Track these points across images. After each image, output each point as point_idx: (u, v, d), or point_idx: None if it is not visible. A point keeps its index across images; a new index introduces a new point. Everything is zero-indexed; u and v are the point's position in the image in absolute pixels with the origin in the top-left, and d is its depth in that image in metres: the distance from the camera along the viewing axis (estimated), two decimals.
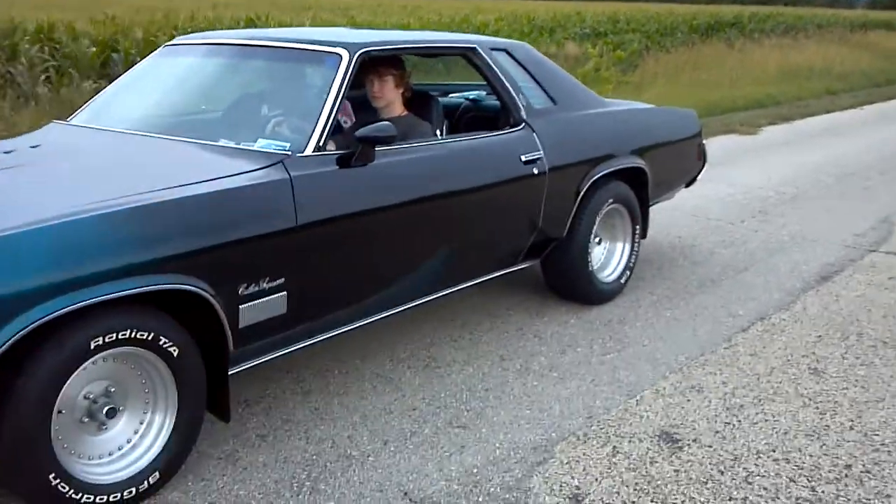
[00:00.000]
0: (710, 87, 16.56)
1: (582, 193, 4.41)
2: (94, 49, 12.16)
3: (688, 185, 5.64)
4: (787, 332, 4.45)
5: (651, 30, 25.51)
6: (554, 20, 25.18)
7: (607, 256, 4.89)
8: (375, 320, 3.59)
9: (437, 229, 3.73)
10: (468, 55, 4.19)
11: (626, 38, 22.79)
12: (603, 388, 3.77)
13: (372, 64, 3.93)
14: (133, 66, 4.36)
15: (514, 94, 4.21)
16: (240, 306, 2.90)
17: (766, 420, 3.49)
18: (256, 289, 2.93)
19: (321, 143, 3.26)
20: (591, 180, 4.43)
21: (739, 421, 3.47)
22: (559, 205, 4.32)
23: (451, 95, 5.23)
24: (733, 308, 4.78)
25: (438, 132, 4.25)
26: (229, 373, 2.97)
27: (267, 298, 2.98)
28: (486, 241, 4.06)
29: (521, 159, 4.06)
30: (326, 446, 3.23)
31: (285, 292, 3.04)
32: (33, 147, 3.48)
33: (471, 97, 5.13)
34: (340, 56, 3.50)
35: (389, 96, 4.08)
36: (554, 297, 4.78)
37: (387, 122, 3.39)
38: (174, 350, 2.71)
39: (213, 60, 4.03)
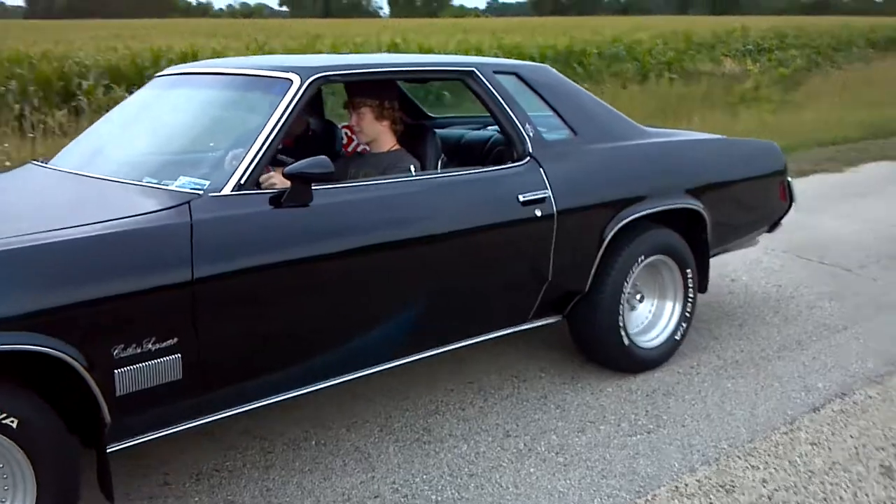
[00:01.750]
0: (880, 106, 15.13)
1: (607, 241, 3.75)
2: None
3: (770, 230, 4.83)
4: (869, 414, 3.65)
5: (822, 45, 23.88)
6: (715, 36, 23.99)
7: (653, 317, 4.18)
8: (320, 388, 3.11)
9: (400, 283, 3.21)
10: (465, 80, 3.66)
11: (790, 53, 21.36)
12: (611, 481, 3.16)
13: (350, 94, 3.55)
14: None
15: (517, 124, 3.63)
16: (115, 371, 2.49)
17: None
18: (138, 351, 2.52)
19: (243, 181, 2.84)
20: (619, 225, 3.77)
21: None
22: (576, 254, 3.71)
23: (488, 128, 4.64)
24: (811, 380, 4.01)
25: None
26: (109, 449, 2.56)
27: (153, 362, 2.57)
28: (473, 295, 3.48)
29: (518, 199, 3.47)
30: None
31: (178, 355, 2.62)
32: None
33: None
34: (291, 82, 3.10)
35: (370, 130, 3.64)
36: None
37: (323, 157, 2.93)
38: (12, 422, 2.32)
39: (178, 92, 3.70)
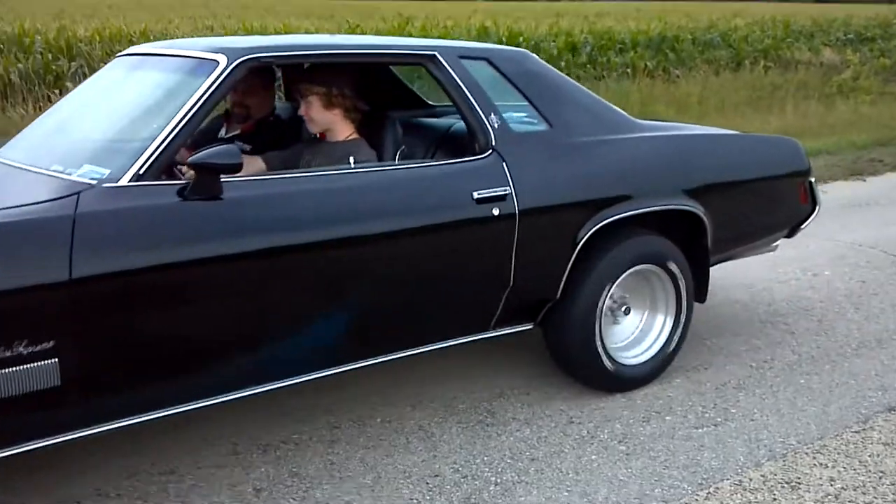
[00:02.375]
0: None
1: (580, 245, 3.40)
2: None
3: (790, 235, 4.39)
4: None
5: None
6: (815, 24, 23.24)
7: (641, 331, 3.82)
8: (233, 399, 2.87)
9: (322, 287, 2.92)
10: (425, 65, 3.33)
11: (894, 44, 20.53)
12: (673, 472, 3.13)
13: (299, 80, 3.41)
14: None
15: (480, 114, 3.31)
16: None
17: None
18: (7, 354, 2.32)
19: (142, 172, 2.59)
20: (595, 228, 3.41)
21: None
22: (543, 257, 3.38)
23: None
24: (889, 379, 3.89)
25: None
26: None
27: (24, 367, 2.36)
28: (416, 301, 3.18)
29: (472, 196, 3.16)
30: None
31: (56, 359, 2.40)
32: None
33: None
34: (217, 63, 2.87)
35: (321, 119, 3.39)
36: None
37: (231, 146, 2.70)
38: None
39: (121, 73, 3.45)
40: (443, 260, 3.17)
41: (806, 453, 3.25)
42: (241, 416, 3.42)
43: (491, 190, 3.21)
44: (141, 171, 2.59)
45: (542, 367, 3.93)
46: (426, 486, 3.02)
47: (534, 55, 3.72)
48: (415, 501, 2.93)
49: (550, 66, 3.75)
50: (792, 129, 10.28)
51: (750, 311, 4.73)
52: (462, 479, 3.07)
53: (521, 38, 15.41)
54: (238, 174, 2.99)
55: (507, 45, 14.76)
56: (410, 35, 15.27)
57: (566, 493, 2.99)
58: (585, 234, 3.40)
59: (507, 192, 3.24)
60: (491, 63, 3.50)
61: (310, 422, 3.45)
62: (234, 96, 3.88)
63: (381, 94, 3.91)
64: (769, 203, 4.16)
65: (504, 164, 3.28)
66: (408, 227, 3.06)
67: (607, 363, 3.62)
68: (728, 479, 3.08)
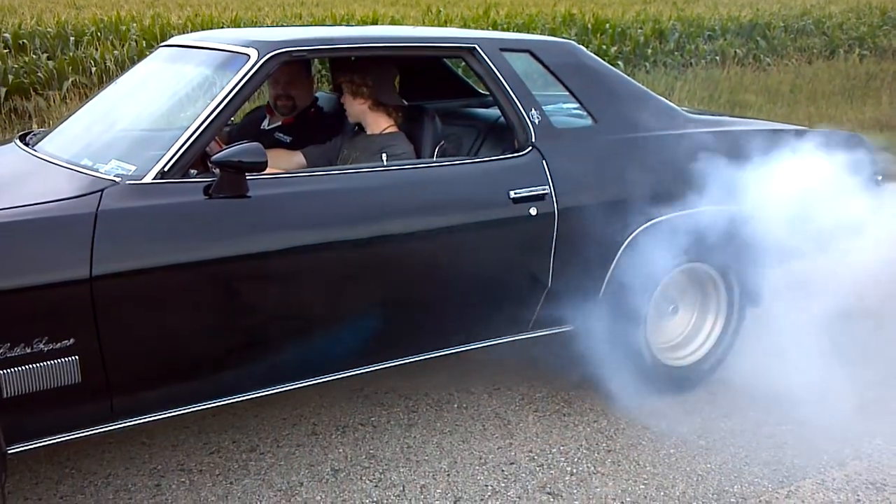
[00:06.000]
0: None
1: (625, 245, 3.27)
2: None
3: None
4: None
5: None
6: None
7: (691, 332, 3.69)
8: (253, 397, 2.83)
9: (352, 287, 2.86)
10: (465, 58, 3.23)
11: None
12: (754, 468, 3.08)
13: (338, 73, 3.34)
14: None
15: (520, 109, 3.20)
16: (1, 371, 2.32)
17: None
18: (27, 351, 2.32)
19: (167, 169, 2.56)
20: (641, 227, 3.27)
21: None
22: (585, 258, 3.23)
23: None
24: None
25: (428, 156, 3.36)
26: (10, 451, 2.41)
27: (45, 363, 2.36)
28: (446, 300, 3.08)
29: (509, 196, 3.07)
30: (392, 495, 2.90)
31: (76, 357, 2.40)
32: None
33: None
34: (248, 57, 2.82)
35: (355, 111, 3.34)
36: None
37: (255, 144, 2.62)
38: None
39: (160, 65, 3.41)
40: (477, 260, 3.08)
41: (894, 454, 3.15)
42: (321, 398, 3.48)
43: (529, 189, 3.11)
44: (166, 169, 2.57)
45: None
46: (501, 473, 3.03)
47: (580, 46, 3.60)
48: (490, 488, 2.94)
49: (598, 58, 3.61)
50: (888, 120, 9.93)
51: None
52: (538, 468, 3.07)
53: (607, 25, 15.21)
54: (279, 169, 3.02)
55: (594, 32, 14.62)
56: (495, 23, 15.21)
57: (643, 486, 2.97)
58: (630, 235, 3.27)
59: (546, 190, 3.14)
60: (534, 55, 3.39)
61: (388, 405, 3.49)
62: (277, 88, 3.83)
63: (430, 84, 3.83)
64: None
65: (544, 161, 3.18)
66: (439, 227, 2.98)
67: (653, 363, 3.50)
68: (810, 478, 3.01)
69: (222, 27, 12.32)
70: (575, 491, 2.93)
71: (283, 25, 13.02)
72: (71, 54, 10.11)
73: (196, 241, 2.56)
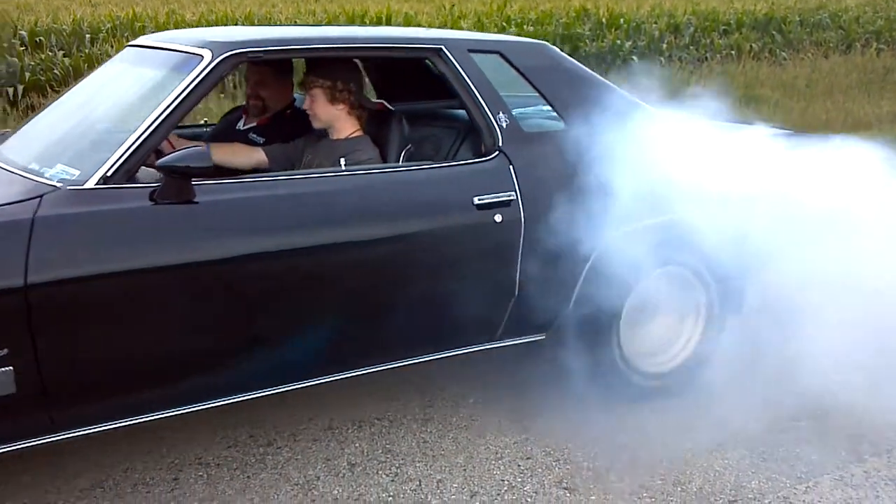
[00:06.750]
0: None
1: (597, 252, 3.14)
2: None
3: None
4: None
5: None
6: None
7: (667, 337, 3.55)
8: (199, 409, 2.74)
9: (306, 293, 2.77)
10: (431, 59, 3.12)
11: None
12: (771, 464, 3.07)
13: (314, 76, 3.19)
14: None
15: (486, 112, 3.09)
16: None
17: None
18: None
19: (110, 174, 2.47)
20: (615, 234, 3.13)
21: None
22: (554, 266, 3.12)
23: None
24: None
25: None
26: None
27: None
28: (409, 308, 2.96)
29: (473, 202, 2.98)
30: (409, 489, 2.90)
31: (10, 367, 2.33)
32: None
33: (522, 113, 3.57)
34: (201, 58, 2.73)
35: (323, 115, 3.20)
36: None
37: (198, 149, 2.58)
38: None
39: (118, 66, 3.32)
40: (440, 268, 2.99)
41: None
42: (337, 393, 3.48)
43: (494, 195, 3.01)
44: (109, 174, 2.48)
45: None
46: (518, 467, 3.03)
47: (553, 47, 3.47)
48: (506, 483, 2.94)
49: (572, 60, 3.49)
50: None
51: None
52: (554, 463, 3.07)
53: (621, 20, 15.17)
54: (238, 165, 3.01)
55: (608, 27, 14.56)
56: (508, 18, 15.18)
57: (659, 482, 2.96)
58: (602, 243, 3.13)
59: (511, 197, 3.03)
60: (503, 56, 3.27)
61: (404, 400, 3.49)
62: (248, 88, 3.78)
63: (415, 83, 3.72)
64: None
65: (511, 166, 3.07)
66: (398, 234, 2.91)
67: (625, 370, 3.39)
68: (829, 475, 3.00)
69: (236, 23, 12.35)
70: (592, 486, 2.93)
71: (294, 24, 12.98)
72: (87, 51, 10.18)
73: (139, 249, 2.48)
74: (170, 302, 2.55)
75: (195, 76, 2.68)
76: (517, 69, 3.27)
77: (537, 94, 3.32)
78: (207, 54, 2.74)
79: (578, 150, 3.16)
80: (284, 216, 2.72)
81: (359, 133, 3.24)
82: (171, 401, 2.68)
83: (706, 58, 14.22)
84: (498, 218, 3.00)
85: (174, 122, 2.66)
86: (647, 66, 12.56)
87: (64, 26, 10.94)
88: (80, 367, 2.48)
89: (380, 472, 3.00)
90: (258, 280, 2.66)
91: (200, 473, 2.96)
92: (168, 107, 2.61)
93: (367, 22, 14.20)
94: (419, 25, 13.79)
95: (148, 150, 2.57)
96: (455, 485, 2.93)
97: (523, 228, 3.05)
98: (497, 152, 3.09)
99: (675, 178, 3.15)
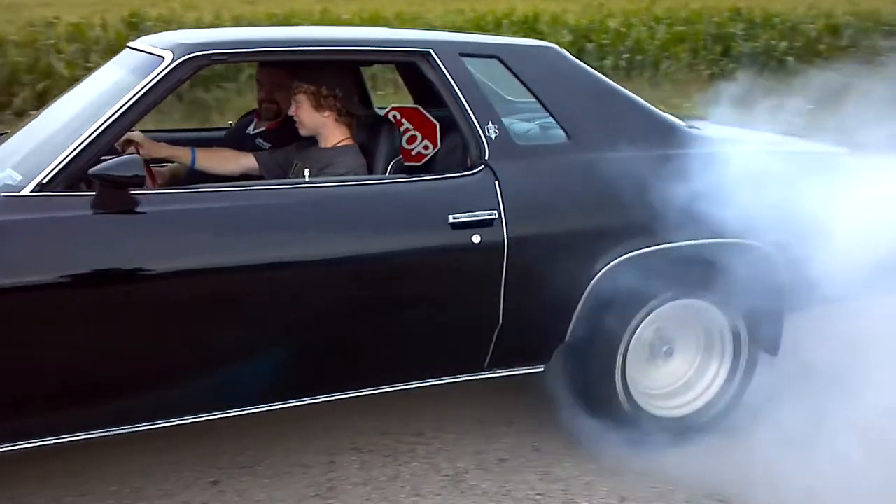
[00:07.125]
0: None
1: (596, 279, 2.87)
2: None
3: None
4: None
5: None
6: None
7: (689, 378, 3.22)
8: (140, 430, 2.60)
9: (260, 315, 2.61)
10: (419, 64, 2.90)
11: None
12: None
13: (298, 81, 3.05)
14: None
15: (474, 122, 2.84)
16: None
17: None
18: None
19: (46, 181, 2.37)
20: (616, 261, 2.88)
21: None
22: (544, 293, 2.86)
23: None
24: None
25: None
26: None
27: None
28: (376, 334, 2.79)
29: (448, 221, 2.74)
30: (558, 489, 2.93)
31: None
32: None
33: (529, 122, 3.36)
34: (162, 59, 2.62)
35: (309, 122, 3.05)
36: None
37: (132, 157, 2.49)
38: None
39: (109, 68, 3.16)
40: (411, 291, 2.79)
41: None
42: (485, 390, 3.49)
43: (472, 213, 2.76)
44: (45, 181, 2.38)
45: None
46: (670, 476, 3.00)
47: (565, 52, 3.18)
48: (656, 491, 2.92)
49: (584, 66, 3.17)
50: None
51: None
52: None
53: (776, 20, 14.68)
54: (225, 171, 3.03)
55: (762, 27, 14.09)
56: (657, 17, 14.90)
57: None
58: (602, 268, 2.88)
59: (493, 216, 2.77)
60: (502, 61, 3.02)
61: (555, 402, 3.47)
62: (261, 92, 3.76)
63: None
64: None
65: (496, 182, 2.81)
66: (361, 253, 2.70)
67: (632, 412, 3.10)
68: None
69: (387, 21, 12.47)
70: (745, 498, 2.86)
71: (430, 24, 12.82)
72: None
73: (75, 260, 2.38)
74: (104, 316, 2.44)
75: (151, 78, 2.57)
76: (516, 75, 3.02)
77: (537, 103, 3.06)
78: (169, 56, 2.63)
79: (581, 165, 2.94)
80: (233, 230, 2.57)
81: (347, 141, 3.09)
82: (110, 420, 2.55)
83: (868, 61, 13.59)
84: (476, 238, 2.76)
85: (127, 125, 2.55)
86: (804, 68, 12.12)
87: (226, 24, 11.44)
88: (12, 380, 2.40)
89: (528, 469, 3.03)
90: (201, 296, 2.54)
91: (354, 459, 3.06)
92: (119, 110, 2.50)
93: (510, 21, 14.12)
94: (566, 25, 13.65)
95: (95, 155, 2.44)
96: (605, 488, 2.93)
97: (507, 251, 2.79)
98: (482, 166, 2.84)
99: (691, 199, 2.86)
